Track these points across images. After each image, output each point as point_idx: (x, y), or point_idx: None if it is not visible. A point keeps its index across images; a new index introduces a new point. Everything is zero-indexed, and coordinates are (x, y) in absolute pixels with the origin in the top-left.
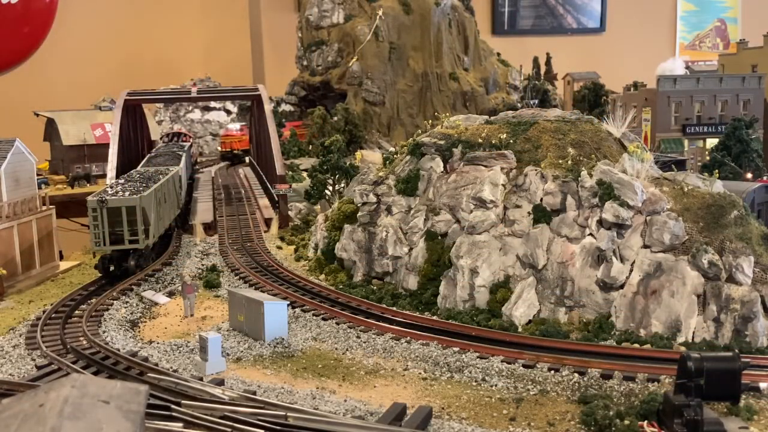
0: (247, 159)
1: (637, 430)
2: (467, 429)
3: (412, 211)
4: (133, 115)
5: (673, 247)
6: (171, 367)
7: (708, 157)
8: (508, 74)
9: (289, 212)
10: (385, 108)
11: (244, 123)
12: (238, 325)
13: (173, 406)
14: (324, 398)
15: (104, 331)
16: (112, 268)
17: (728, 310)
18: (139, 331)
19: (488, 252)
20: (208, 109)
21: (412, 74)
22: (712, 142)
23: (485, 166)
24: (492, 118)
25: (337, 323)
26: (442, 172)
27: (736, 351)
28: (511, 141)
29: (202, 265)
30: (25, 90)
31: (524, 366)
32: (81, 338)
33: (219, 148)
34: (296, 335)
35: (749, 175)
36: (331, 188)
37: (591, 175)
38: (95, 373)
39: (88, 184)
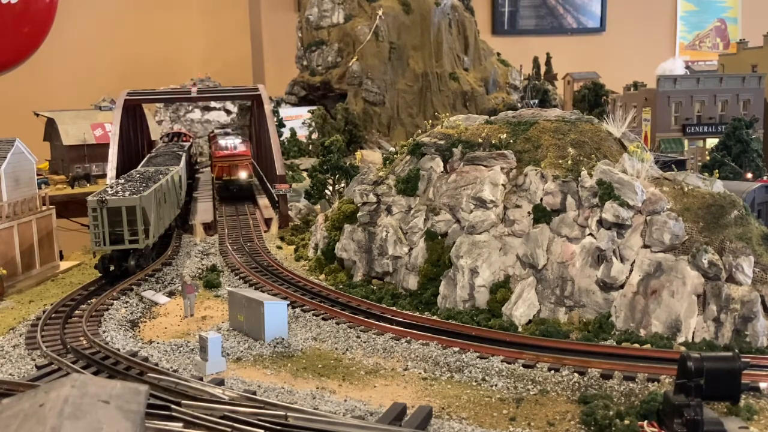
0: (256, 191)
1: (637, 430)
2: (467, 429)
3: (412, 211)
4: (133, 115)
5: (673, 247)
6: (171, 367)
7: (708, 157)
8: (508, 74)
9: (289, 212)
10: (385, 108)
11: (244, 136)
12: (238, 325)
13: (173, 406)
14: (324, 398)
15: (104, 331)
16: (112, 268)
17: (728, 310)
18: (139, 331)
19: (488, 252)
20: (208, 109)
21: (412, 74)
22: (712, 142)
23: (485, 166)
24: (492, 118)
25: (337, 323)
26: (442, 172)
27: (736, 351)
28: (511, 141)
29: (202, 265)
30: (25, 90)
31: (524, 366)
32: (81, 338)
33: (212, 174)
34: (296, 335)
35: (749, 175)
36: (331, 188)
37: (591, 175)
38: (95, 373)
39: (88, 184)
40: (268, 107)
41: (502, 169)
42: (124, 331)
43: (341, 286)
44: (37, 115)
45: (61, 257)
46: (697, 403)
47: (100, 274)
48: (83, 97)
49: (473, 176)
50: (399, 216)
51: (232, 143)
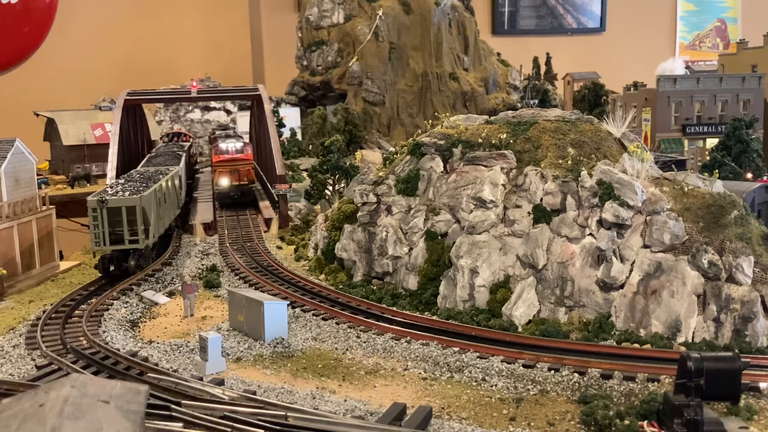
0: (258, 197)
1: (637, 430)
2: (467, 429)
3: (412, 211)
4: (133, 115)
5: (673, 247)
6: (171, 367)
7: (708, 157)
8: (508, 74)
9: (289, 212)
10: (385, 108)
11: (246, 140)
12: (238, 325)
13: (173, 406)
14: (324, 398)
15: (104, 331)
16: (112, 268)
17: (728, 310)
18: (139, 331)
19: (488, 252)
20: (208, 109)
21: (412, 74)
22: (712, 142)
23: (485, 166)
24: (492, 118)
25: (337, 323)
26: (442, 172)
27: (736, 351)
28: (511, 141)
29: (202, 265)
30: (25, 90)
31: (524, 366)
32: (81, 338)
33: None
34: (296, 335)
35: (749, 175)
36: (331, 188)
37: (591, 175)
38: (95, 373)
39: (88, 184)
40: (268, 107)
41: (502, 169)
42: (124, 331)
43: (341, 286)
44: (37, 115)
45: (61, 257)
46: (697, 403)
47: (100, 274)
48: (83, 97)
49: (473, 176)
50: (399, 216)
51: (233, 147)
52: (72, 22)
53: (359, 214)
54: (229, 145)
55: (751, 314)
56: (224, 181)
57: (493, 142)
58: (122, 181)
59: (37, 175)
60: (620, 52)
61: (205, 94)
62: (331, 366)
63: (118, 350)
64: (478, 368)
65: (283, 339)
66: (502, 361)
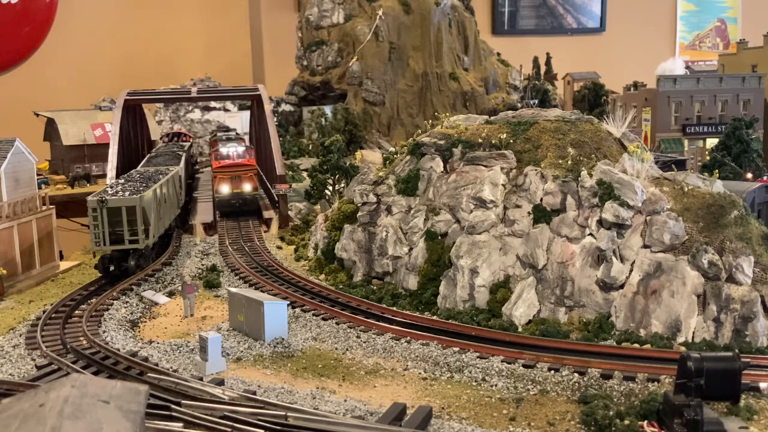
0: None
1: (637, 430)
2: (467, 429)
3: (412, 211)
4: (133, 115)
5: (673, 247)
6: (171, 367)
7: (708, 157)
8: (508, 74)
9: (289, 212)
10: (385, 108)
11: (247, 142)
12: (238, 325)
13: (173, 406)
14: (324, 398)
15: (104, 331)
16: (112, 268)
17: (728, 310)
18: (139, 331)
19: (488, 252)
20: (208, 109)
21: (412, 74)
22: (712, 142)
23: (485, 166)
24: (492, 118)
25: (337, 323)
26: (442, 172)
27: (736, 351)
28: (511, 141)
29: (202, 265)
30: (25, 90)
31: (524, 366)
32: (81, 338)
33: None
34: (296, 335)
35: (749, 175)
36: (331, 188)
37: (591, 175)
38: (95, 373)
39: (88, 184)
40: (268, 107)
41: (502, 169)
42: (124, 331)
43: (341, 286)
44: (37, 115)
45: (61, 257)
46: (697, 403)
47: (100, 274)
48: (83, 97)
49: (473, 176)
50: (399, 216)
51: (235, 151)
52: (72, 22)
53: (359, 214)
54: (231, 150)
55: (751, 314)
56: (225, 189)
57: (493, 142)
58: (122, 181)
59: (37, 175)
60: (620, 52)
61: (205, 94)
62: (331, 366)
63: (118, 350)
64: (478, 368)
65: (283, 339)
66: (502, 361)
